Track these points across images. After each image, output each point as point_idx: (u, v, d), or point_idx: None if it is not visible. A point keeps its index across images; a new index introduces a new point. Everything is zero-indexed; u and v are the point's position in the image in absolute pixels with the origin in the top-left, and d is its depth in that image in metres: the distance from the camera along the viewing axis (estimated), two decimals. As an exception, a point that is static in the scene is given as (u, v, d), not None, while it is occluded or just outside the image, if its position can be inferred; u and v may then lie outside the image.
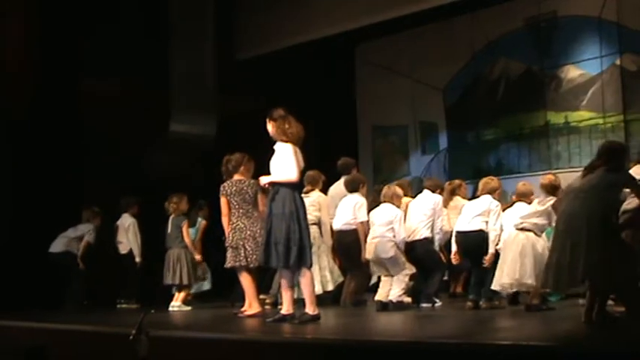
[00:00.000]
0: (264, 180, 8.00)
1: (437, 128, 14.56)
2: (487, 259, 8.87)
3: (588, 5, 12.70)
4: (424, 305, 9.40)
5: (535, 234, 8.33)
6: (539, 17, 13.27)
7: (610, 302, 7.80)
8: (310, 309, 7.76)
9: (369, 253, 9.42)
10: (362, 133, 15.47)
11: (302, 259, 7.71)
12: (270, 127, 7.95)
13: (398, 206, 9.50)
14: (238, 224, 9.09)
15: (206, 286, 12.10)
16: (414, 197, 10.12)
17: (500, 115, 13.61)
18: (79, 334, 8.13)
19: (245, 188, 9.19)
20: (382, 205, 9.51)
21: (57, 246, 11.77)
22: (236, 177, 9.25)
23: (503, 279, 8.44)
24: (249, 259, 8.96)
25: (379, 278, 9.63)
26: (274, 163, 7.90)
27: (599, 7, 12.50)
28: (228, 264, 9.10)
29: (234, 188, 9.17)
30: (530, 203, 8.85)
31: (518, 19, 13.50)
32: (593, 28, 12.61)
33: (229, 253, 9.07)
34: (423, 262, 9.53)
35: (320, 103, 13.36)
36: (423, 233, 9.53)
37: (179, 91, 13.80)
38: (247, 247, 8.99)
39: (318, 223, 10.09)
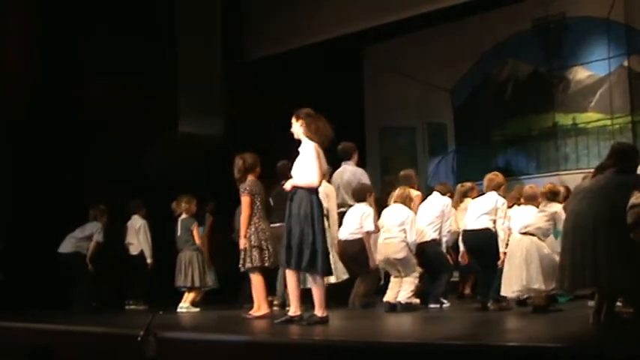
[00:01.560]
0: (287, 185, 7.94)
1: (445, 129, 14.56)
2: (501, 262, 8.84)
3: (596, 7, 12.70)
4: (432, 306, 9.40)
5: (539, 238, 8.28)
6: (547, 19, 13.27)
7: (618, 304, 7.80)
8: (319, 312, 7.74)
9: (380, 254, 9.42)
10: (370, 135, 15.47)
11: (314, 263, 7.65)
12: (296, 125, 7.90)
13: (410, 207, 9.50)
14: (261, 225, 9.01)
15: (213, 284, 12.10)
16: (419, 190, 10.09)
17: (509, 117, 13.61)
18: (86, 335, 8.14)
19: (262, 189, 9.19)
20: (394, 206, 9.50)
21: (66, 246, 11.79)
22: (251, 177, 9.17)
23: (513, 286, 8.32)
24: (271, 260, 8.94)
25: (387, 279, 9.62)
26: (298, 164, 7.86)
27: (607, 8, 12.49)
28: (256, 264, 8.95)
29: (257, 188, 9.08)
30: (537, 206, 8.83)
31: (526, 21, 13.49)
32: (601, 29, 12.60)
33: (255, 253, 8.90)
34: (432, 264, 9.53)
35: (328, 105, 13.21)
36: (430, 235, 9.54)
37: (187, 91, 13.82)
38: (270, 247, 8.95)
39: (326, 215, 10.08)
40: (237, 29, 14.65)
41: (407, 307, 9.08)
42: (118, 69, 12.66)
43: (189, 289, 10.84)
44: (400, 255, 9.26)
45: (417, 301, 9.37)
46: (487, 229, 8.95)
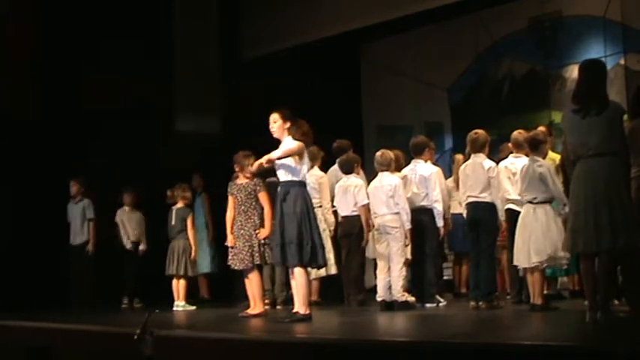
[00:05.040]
0: (257, 164, 8.01)
1: (442, 128, 14.57)
2: (503, 232, 8.85)
3: (592, 5, 12.69)
4: (429, 305, 9.39)
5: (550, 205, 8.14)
6: (543, 17, 13.27)
7: (616, 302, 7.82)
8: (302, 309, 7.79)
9: (375, 223, 9.34)
10: (367, 133, 15.47)
11: (315, 257, 7.79)
12: (282, 126, 7.94)
13: (395, 169, 9.43)
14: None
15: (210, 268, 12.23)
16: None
17: (505, 115, 13.58)
18: (84, 333, 8.15)
19: None
20: (379, 176, 9.36)
21: (75, 238, 11.82)
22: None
23: (533, 258, 8.08)
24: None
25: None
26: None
27: (603, 6, 12.49)
28: (263, 261, 9.05)
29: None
30: (526, 155, 8.63)
31: (522, 19, 13.49)
32: (597, 27, 12.59)
33: (260, 250, 8.99)
34: (424, 234, 9.43)
35: (325, 103, 13.37)
36: (422, 202, 9.46)
37: (184, 90, 13.83)
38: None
39: (320, 205, 10.12)
40: (234, 28, 14.65)
41: (403, 306, 9.06)
42: (116, 68, 12.67)
43: (181, 277, 10.82)
44: (392, 224, 9.14)
45: (413, 299, 9.36)
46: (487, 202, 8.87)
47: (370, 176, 9.97)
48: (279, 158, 7.81)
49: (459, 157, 10.15)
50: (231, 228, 9.15)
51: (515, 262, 8.42)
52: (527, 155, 8.60)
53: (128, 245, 12.10)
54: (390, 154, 9.47)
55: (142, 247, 12.14)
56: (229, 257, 9.19)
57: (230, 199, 9.27)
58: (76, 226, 11.81)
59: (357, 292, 9.92)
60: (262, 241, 8.91)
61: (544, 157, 8.54)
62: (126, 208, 12.22)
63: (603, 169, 6.57)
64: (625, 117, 7.23)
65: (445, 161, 14.27)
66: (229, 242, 9.16)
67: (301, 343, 6.46)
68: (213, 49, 14.32)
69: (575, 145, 6.82)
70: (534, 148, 8.39)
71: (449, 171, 13.15)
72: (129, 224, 12.15)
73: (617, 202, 6.50)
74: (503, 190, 8.83)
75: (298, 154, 7.83)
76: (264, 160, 7.92)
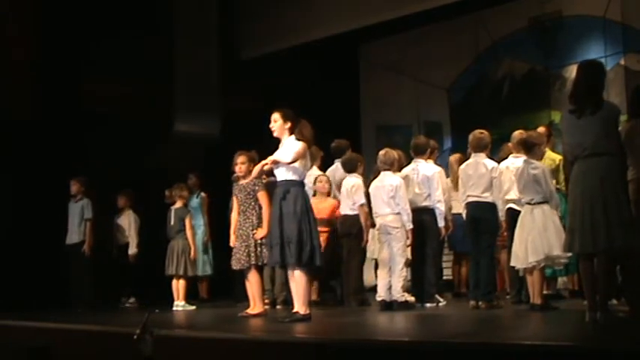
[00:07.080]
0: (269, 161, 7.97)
1: (441, 128, 14.58)
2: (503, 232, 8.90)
3: (592, 5, 12.73)
4: (428, 305, 9.39)
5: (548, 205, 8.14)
6: (543, 17, 13.31)
7: (614, 302, 7.82)
8: (302, 309, 7.79)
9: (377, 223, 9.32)
10: (366, 133, 15.49)
11: (313, 258, 7.77)
12: (283, 126, 7.93)
13: (397, 168, 9.39)
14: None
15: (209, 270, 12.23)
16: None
17: (505, 115, 13.60)
18: (84, 333, 8.14)
19: None
20: (382, 175, 9.31)
21: (71, 237, 11.81)
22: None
23: (530, 257, 8.08)
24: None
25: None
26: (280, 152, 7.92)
27: (603, 7, 12.52)
28: (260, 262, 9.00)
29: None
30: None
31: (522, 19, 13.52)
32: (597, 27, 12.63)
33: (259, 250, 8.92)
34: (425, 234, 9.41)
35: (324, 103, 13.37)
36: (422, 202, 9.43)
37: (183, 90, 13.83)
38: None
39: None
40: (234, 28, 14.65)
41: (403, 306, 9.05)
42: (116, 68, 12.68)
43: (180, 277, 10.83)
44: (393, 224, 9.10)
45: (412, 299, 9.34)
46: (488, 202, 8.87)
47: (368, 176, 9.97)
48: (290, 162, 7.78)
49: (454, 157, 10.19)
50: (235, 229, 9.15)
51: (512, 263, 8.42)
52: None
53: (123, 244, 12.21)
54: (394, 153, 9.44)
55: (130, 251, 12.16)
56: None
57: (234, 200, 9.27)
58: (73, 225, 11.77)
59: (357, 292, 9.92)
60: (259, 241, 8.88)
61: (540, 159, 8.53)
62: (124, 209, 12.28)
63: (599, 169, 6.58)
64: (624, 117, 7.22)
65: (444, 161, 14.28)
66: (232, 242, 9.16)
67: (301, 343, 6.45)
68: (212, 48, 14.32)
69: (571, 145, 6.83)
70: (528, 150, 8.40)
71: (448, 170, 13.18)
72: (119, 227, 12.23)
73: (614, 202, 6.50)
74: (504, 190, 8.85)
75: (303, 155, 7.84)
76: (269, 161, 7.90)
